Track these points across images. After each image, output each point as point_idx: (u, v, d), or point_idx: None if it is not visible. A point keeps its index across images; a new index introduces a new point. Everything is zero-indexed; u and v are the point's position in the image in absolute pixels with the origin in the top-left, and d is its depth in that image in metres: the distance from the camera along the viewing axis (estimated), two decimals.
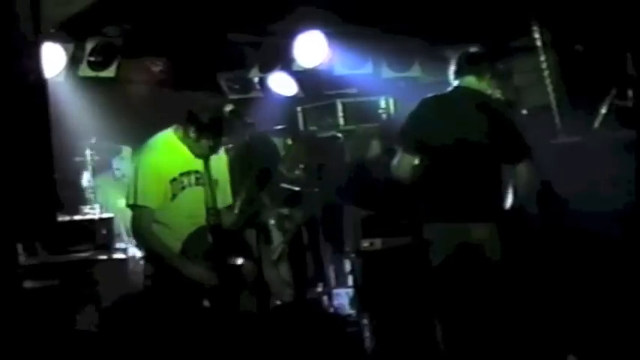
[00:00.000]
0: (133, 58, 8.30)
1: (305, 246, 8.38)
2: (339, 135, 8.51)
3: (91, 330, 6.57)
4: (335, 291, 8.05)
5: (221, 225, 5.52)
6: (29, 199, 5.94)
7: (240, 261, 5.66)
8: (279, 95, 9.02)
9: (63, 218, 7.09)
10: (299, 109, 8.91)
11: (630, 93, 7.47)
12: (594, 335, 6.31)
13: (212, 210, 5.52)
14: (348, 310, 7.73)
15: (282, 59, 8.78)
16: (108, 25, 7.93)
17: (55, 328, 6.52)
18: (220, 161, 5.70)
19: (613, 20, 7.54)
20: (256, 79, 9.02)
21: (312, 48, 8.54)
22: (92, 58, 8.00)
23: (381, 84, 8.94)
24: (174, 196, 5.47)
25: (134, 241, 6.48)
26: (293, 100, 9.03)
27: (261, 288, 5.99)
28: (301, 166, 7.92)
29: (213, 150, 5.51)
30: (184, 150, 5.54)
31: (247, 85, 9.05)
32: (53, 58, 7.66)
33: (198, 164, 5.56)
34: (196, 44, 8.27)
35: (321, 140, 8.62)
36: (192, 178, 5.54)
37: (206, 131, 5.45)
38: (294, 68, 8.82)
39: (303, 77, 8.94)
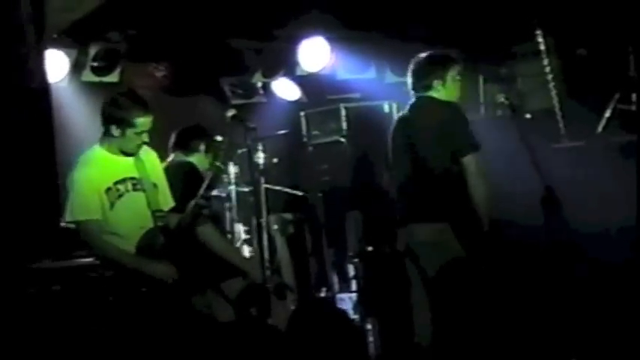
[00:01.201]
0: (137, 63, 8.31)
1: (308, 251, 8.38)
2: (343, 140, 8.51)
3: (93, 334, 6.56)
4: (338, 296, 8.05)
5: (168, 226, 5.55)
6: (33, 205, 5.97)
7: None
8: (283, 100, 9.02)
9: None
10: (302, 113, 8.91)
11: (634, 97, 7.47)
12: (597, 339, 6.31)
13: (158, 212, 5.54)
14: (352, 314, 7.72)
15: (286, 64, 8.79)
16: (111, 30, 7.94)
17: (57, 333, 6.52)
18: (156, 165, 5.71)
19: (616, 24, 7.54)
20: (259, 84, 9.02)
21: (315, 53, 8.55)
22: (95, 64, 8.02)
23: (385, 89, 8.93)
24: (112, 204, 5.48)
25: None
26: (296, 105, 9.03)
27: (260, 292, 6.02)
28: (275, 160, 7.93)
29: (143, 135, 5.48)
30: (114, 160, 5.53)
31: (250, 90, 9.05)
32: (57, 63, 7.68)
33: (132, 171, 5.56)
34: (200, 49, 8.28)
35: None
36: (129, 184, 5.54)
37: (123, 121, 5.43)
38: (298, 73, 8.83)
39: (307, 82, 8.95)
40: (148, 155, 5.67)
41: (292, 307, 7.18)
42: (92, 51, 7.99)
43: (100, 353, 6.12)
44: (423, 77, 6.13)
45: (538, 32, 8.03)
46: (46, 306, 6.51)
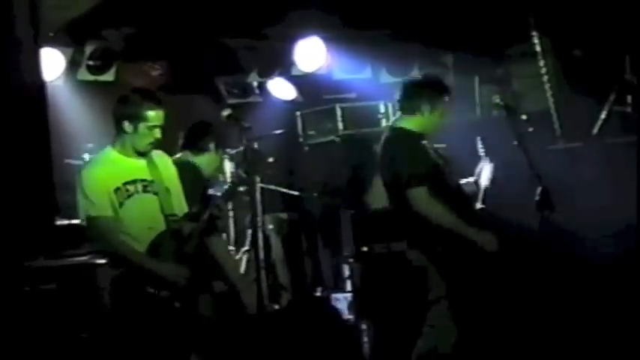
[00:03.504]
0: (132, 62, 8.30)
1: (303, 250, 8.37)
2: (338, 140, 8.51)
3: (88, 334, 6.56)
4: (333, 295, 8.04)
5: (181, 231, 5.52)
6: (28, 203, 5.96)
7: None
8: (278, 100, 9.01)
9: (61, 222, 7.09)
10: (298, 113, 8.91)
11: (629, 98, 7.48)
12: (590, 339, 6.31)
13: (171, 216, 5.52)
14: (347, 314, 7.72)
15: (282, 64, 8.79)
16: (107, 29, 7.93)
17: (52, 332, 6.51)
18: (169, 170, 5.69)
19: (612, 26, 7.55)
20: (255, 84, 9.02)
21: (311, 53, 8.54)
22: (91, 62, 8.01)
23: (380, 89, 8.93)
24: (120, 204, 5.45)
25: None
26: (292, 105, 9.02)
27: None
28: (270, 160, 7.93)
29: (156, 130, 5.46)
30: (125, 161, 5.51)
31: (246, 90, 9.05)
32: (52, 62, 7.66)
33: (144, 173, 5.53)
34: (195, 48, 8.27)
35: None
36: (139, 186, 5.51)
37: (136, 115, 5.41)
38: (294, 73, 8.82)
39: (302, 82, 8.94)
40: (162, 159, 5.64)
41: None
42: (88, 50, 7.98)
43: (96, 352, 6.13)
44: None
45: (534, 33, 8.03)
46: (40, 304, 6.52)
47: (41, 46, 6.46)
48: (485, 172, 5.97)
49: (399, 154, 5.78)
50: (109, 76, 8.11)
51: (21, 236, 6.03)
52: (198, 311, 5.57)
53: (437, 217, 5.64)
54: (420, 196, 5.65)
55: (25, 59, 6.05)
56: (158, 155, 5.62)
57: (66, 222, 7.18)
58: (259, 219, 7.01)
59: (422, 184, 5.65)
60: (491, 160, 5.94)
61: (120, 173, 5.48)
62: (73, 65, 7.93)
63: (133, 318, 5.38)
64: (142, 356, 5.33)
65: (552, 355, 6.20)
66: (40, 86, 6.21)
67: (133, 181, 5.50)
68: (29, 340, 6.25)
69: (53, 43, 7.60)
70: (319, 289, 8.05)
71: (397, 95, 5.91)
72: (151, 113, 5.44)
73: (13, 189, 5.85)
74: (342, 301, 7.83)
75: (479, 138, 6.02)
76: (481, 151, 6.00)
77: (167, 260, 5.43)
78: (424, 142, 5.81)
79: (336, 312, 7.40)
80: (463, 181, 5.99)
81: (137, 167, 5.53)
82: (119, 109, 5.50)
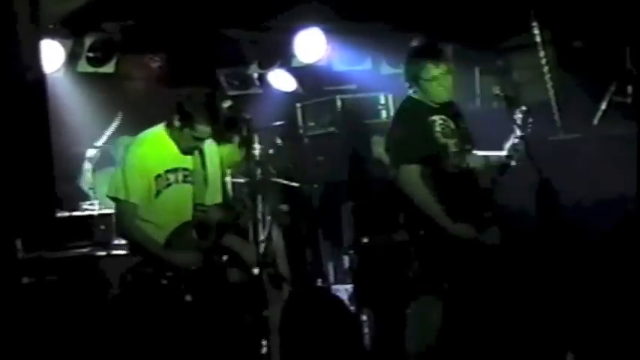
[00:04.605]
0: (132, 54, 8.30)
1: (304, 242, 8.37)
2: (338, 131, 8.51)
3: (88, 325, 6.57)
4: (334, 287, 8.05)
5: (207, 222, 5.48)
6: (28, 195, 5.97)
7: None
8: (279, 91, 9.01)
9: (62, 214, 7.09)
10: (298, 105, 8.90)
11: (629, 89, 7.48)
12: (593, 333, 6.32)
13: (199, 206, 5.48)
14: (347, 306, 7.73)
15: (282, 55, 8.78)
16: (107, 21, 7.93)
17: (52, 324, 6.53)
18: (214, 159, 5.65)
19: (612, 16, 7.55)
20: (255, 75, 9.01)
21: (311, 44, 8.54)
22: (91, 54, 8.01)
23: (381, 80, 8.93)
24: (158, 192, 5.41)
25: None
26: (292, 97, 9.02)
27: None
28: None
29: (199, 141, 5.44)
30: (173, 146, 5.50)
31: (246, 81, 9.05)
32: (52, 54, 7.66)
33: (187, 161, 5.49)
34: (195, 40, 8.27)
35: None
36: (180, 175, 5.47)
37: (188, 119, 5.37)
38: (294, 64, 8.81)
39: (303, 73, 8.93)
40: (210, 147, 5.61)
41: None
42: (88, 41, 7.98)
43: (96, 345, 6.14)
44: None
45: (534, 24, 8.02)
46: (41, 296, 6.53)
47: (41, 38, 6.45)
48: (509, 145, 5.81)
49: (402, 126, 5.73)
50: (108, 68, 8.11)
51: (22, 228, 6.04)
52: (210, 306, 5.53)
53: (419, 201, 5.54)
54: (408, 175, 5.55)
55: (24, 51, 6.04)
56: (207, 143, 5.57)
57: (67, 214, 7.20)
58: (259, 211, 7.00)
59: (415, 162, 5.56)
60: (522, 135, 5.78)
61: (165, 159, 5.43)
62: (72, 57, 7.93)
63: (142, 309, 5.38)
64: (148, 349, 5.33)
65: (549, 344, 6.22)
66: (40, 78, 6.20)
67: (175, 170, 5.45)
68: (31, 332, 6.27)
69: (53, 35, 7.60)
70: (319, 280, 8.05)
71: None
72: (199, 127, 5.37)
73: (13, 181, 5.85)
74: (342, 292, 7.85)
75: (519, 110, 5.85)
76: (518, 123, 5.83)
77: (184, 250, 5.40)
78: (435, 117, 5.73)
79: (338, 301, 7.42)
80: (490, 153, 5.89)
81: (183, 155, 5.49)
82: (178, 103, 5.43)
